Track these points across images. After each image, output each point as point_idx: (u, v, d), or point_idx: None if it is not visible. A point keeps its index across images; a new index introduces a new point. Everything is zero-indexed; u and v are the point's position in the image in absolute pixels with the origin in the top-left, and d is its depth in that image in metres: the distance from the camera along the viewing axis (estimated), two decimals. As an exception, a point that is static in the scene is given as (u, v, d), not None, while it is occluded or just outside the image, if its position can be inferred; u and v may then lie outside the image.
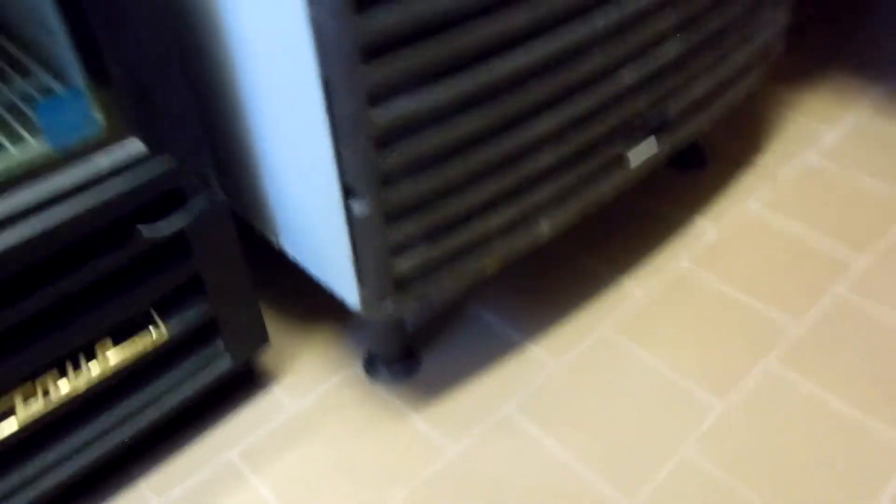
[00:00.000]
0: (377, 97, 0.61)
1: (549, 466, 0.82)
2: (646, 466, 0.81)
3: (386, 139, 0.64)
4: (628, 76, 0.77)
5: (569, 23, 0.68)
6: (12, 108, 0.73)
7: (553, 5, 0.65)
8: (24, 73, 0.79)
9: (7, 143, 0.68)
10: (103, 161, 0.66)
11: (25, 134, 0.70)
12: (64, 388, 0.74)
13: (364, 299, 0.75)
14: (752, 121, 1.27)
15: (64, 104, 0.65)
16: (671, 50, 0.80)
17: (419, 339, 0.96)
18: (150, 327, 0.78)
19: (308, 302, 1.02)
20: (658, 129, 0.88)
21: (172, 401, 0.82)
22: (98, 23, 0.61)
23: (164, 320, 0.79)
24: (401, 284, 0.74)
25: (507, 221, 0.76)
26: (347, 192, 0.67)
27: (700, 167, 1.18)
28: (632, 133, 0.84)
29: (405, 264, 0.72)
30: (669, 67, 0.82)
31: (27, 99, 0.74)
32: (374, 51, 0.58)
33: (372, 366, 0.93)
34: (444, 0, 0.59)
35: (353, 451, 0.85)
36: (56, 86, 0.76)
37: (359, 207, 0.67)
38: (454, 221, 0.72)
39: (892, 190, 1.11)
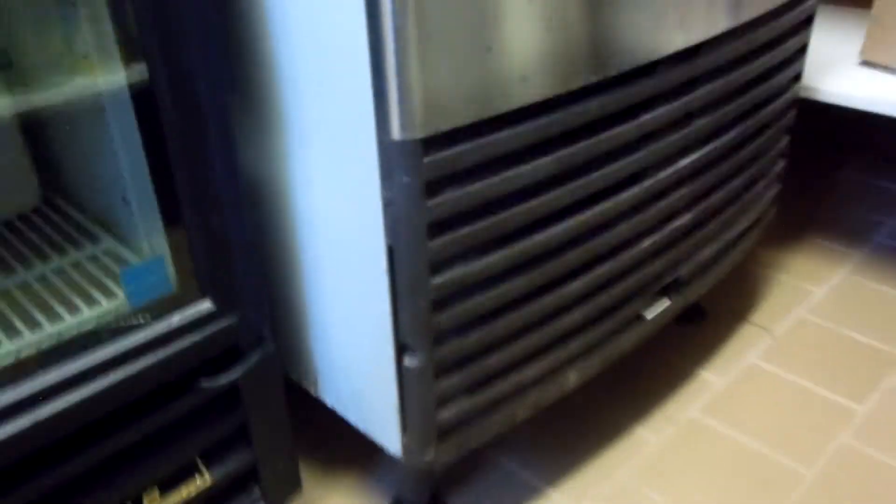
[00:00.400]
0: (437, 265, 0.68)
1: None
2: None
3: (441, 301, 0.70)
4: (648, 244, 0.86)
5: (601, 200, 0.77)
6: (86, 272, 0.80)
7: (588, 187, 0.74)
8: (93, 239, 0.87)
9: (82, 304, 0.74)
10: (175, 319, 0.72)
11: (99, 295, 0.77)
12: (113, 536, 0.76)
13: (406, 447, 0.79)
14: (747, 280, 1.37)
15: (146, 269, 0.72)
16: (684, 221, 0.89)
17: (444, 486, 0.99)
18: (196, 475, 0.81)
19: (333, 449, 1.05)
20: (670, 289, 0.96)
21: (211, 548, 0.84)
22: (185, 199, 0.69)
23: (208, 468, 0.82)
24: (442, 433, 0.78)
25: (540, 373, 0.82)
26: (402, 348, 0.72)
27: (700, 321, 1.26)
28: (648, 293, 0.92)
29: (447, 414, 0.77)
30: (682, 236, 0.91)
31: (94, 261, 0.82)
32: (438, 226, 0.66)
33: (399, 513, 0.96)
34: (499, 186, 0.67)
35: None
36: (122, 250, 0.84)
37: (411, 362, 0.72)
38: (494, 374, 0.78)
39: (878, 343, 1.20)
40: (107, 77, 0.72)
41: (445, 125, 0.62)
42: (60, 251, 0.86)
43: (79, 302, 0.76)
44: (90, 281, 0.80)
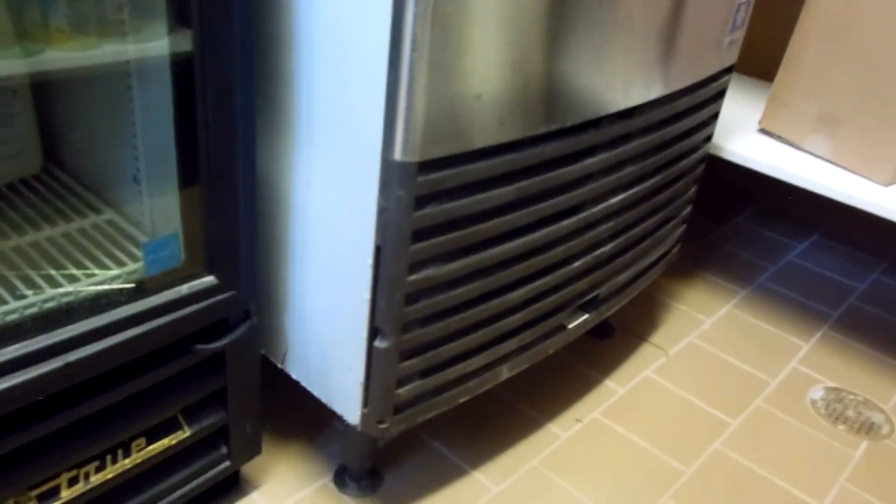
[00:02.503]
0: (414, 266, 0.83)
1: (493, 573, 0.99)
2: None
3: (413, 296, 0.85)
4: (578, 265, 1.03)
5: (546, 225, 0.93)
6: (93, 239, 0.91)
7: (538, 214, 0.91)
8: (95, 209, 0.97)
9: (95, 268, 0.84)
10: (184, 288, 0.84)
11: (111, 263, 0.87)
12: (101, 477, 0.86)
13: (365, 417, 0.93)
14: (651, 306, 1.57)
15: (163, 243, 0.83)
16: (607, 249, 1.07)
17: (382, 462, 1.13)
18: (178, 429, 0.92)
19: (285, 420, 1.18)
20: (590, 305, 1.13)
21: (178, 499, 0.95)
22: (207, 184, 0.81)
23: (188, 424, 0.93)
24: (397, 408, 0.93)
25: (482, 364, 0.98)
26: (375, 332, 0.86)
27: (609, 337, 1.45)
28: (572, 306, 1.09)
29: (404, 392, 0.91)
30: (604, 261, 1.09)
31: (98, 230, 0.92)
32: (419, 234, 0.81)
33: (341, 479, 1.09)
34: (471, 206, 0.83)
35: (327, 553, 0.99)
36: (122, 223, 0.94)
37: (381, 344, 0.87)
38: (446, 361, 0.93)
39: (752, 369, 1.41)
40: (140, 45, 0.74)
41: (438, 153, 0.77)
42: (65, 217, 0.96)
43: (91, 265, 0.86)
44: (99, 247, 0.90)
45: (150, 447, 0.89)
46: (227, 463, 0.99)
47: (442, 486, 1.10)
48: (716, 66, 1.15)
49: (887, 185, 1.29)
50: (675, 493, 1.13)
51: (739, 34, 1.18)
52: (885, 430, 1.30)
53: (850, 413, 1.33)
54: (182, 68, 0.73)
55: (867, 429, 1.30)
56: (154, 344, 0.82)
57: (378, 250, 0.82)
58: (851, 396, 1.37)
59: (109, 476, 0.86)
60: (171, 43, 0.73)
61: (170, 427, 0.91)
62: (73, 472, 0.84)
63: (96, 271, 0.86)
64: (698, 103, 1.15)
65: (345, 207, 0.83)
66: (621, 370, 1.38)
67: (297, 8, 0.79)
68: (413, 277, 0.83)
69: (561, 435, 1.22)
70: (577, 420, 1.25)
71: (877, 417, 1.33)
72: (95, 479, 0.85)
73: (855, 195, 1.26)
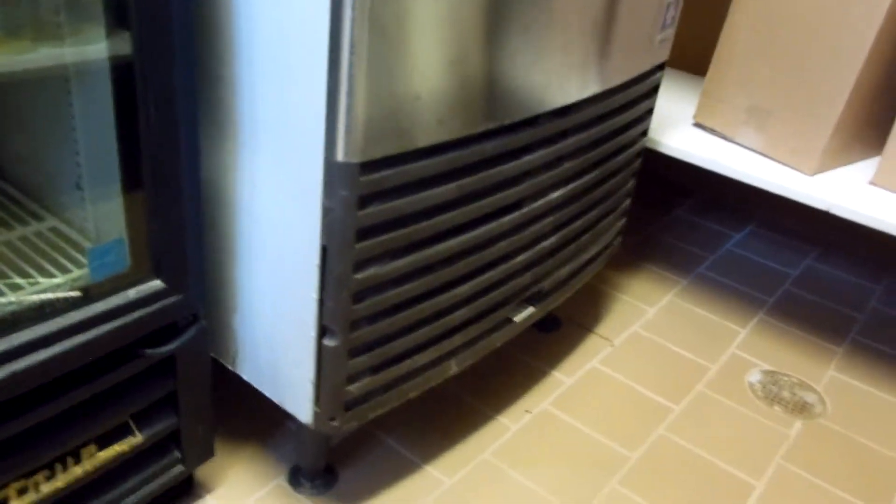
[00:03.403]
0: (359, 264, 0.84)
1: (448, 563, 1.01)
2: (523, 563, 1.03)
3: (360, 294, 0.87)
4: (520, 259, 1.06)
5: (487, 222, 0.96)
6: (36, 247, 0.90)
7: (479, 210, 0.93)
8: (36, 217, 0.96)
9: (38, 276, 0.84)
10: (131, 293, 0.84)
11: (55, 270, 0.87)
12: (51, 486, 0.86)
13: (317, 416, 0.94)
14: (595, 298, 1.61)
15: (109, 249, 0.83)
16: (549, 243, 1.10)
17: (336, 459, 1.15)
18: (129, 435, 0.92)
19: (236, 423, 1.18)
20: (535, 299, 1.16)
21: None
22: (151, 188, 0.81)
23: (139, 430, 0.93)
24: (348, 405, 0.94)
25: (430, 360, 1.00)
26: (323, 331, 0.88)
27: (555, 330, 1.48)
28: (517, 300, 1.12)
29: (354, 389, 0.93)
30: (547, 255, 1.12)
31: (41, 237, 0.92)
32: (364, 233, 0.83)
33: (295, 479, 1.10)
34: (413, 204, 0.85)
35: (283, 551, 1.00)
36: (66, 229, 0.94)
37: (330, 342, 0.88)
38: (395, 357, 0.95)
39: (693, 356, 1.46)
40: (78, 48, 0.73)
41: (380, 153, 0.79)
42: (6, 226, 0.95)
43: (34, 273, 0.86)
44: (42, 255, 0.90)
45: (102, 454, 0.89)
46: (181, 467, 0.99)
47: (396, 482, 1.12)
48: (648, 63, 1.19)
49: (813, 174, 1.35)
50: (623, 478, 1.17)
51: (670, 32, 1.23)
52: (818, 409, 1.37)
53: (786, 394, 1.39)
54: (122, 72, 0.73)
55: (801, 409, 1.36)
56: (102, 350, 0.82)
57: (324, 250, 0.83)
58: (786, 378, 1.43)
59: (60, 485, 0.86)
60: (110, 46, 0.73)
61: (121, 433, 0.91)
62: (23, 483, 0.83)
63: (40, 279, 0.86)
64: (633, 99, 1.19)
65: (290, 208, 0.84)
66: (568, 361, 1.41)
67: (237, 13, 0.80)
68: (359, 275, 0.85)
69: (511, 427, 1.25)
70: (527, 411, 1.28)
71: (810, 397, 1.39)
72: (46, 488, 0.85)
73: (784, 185, 1.32)
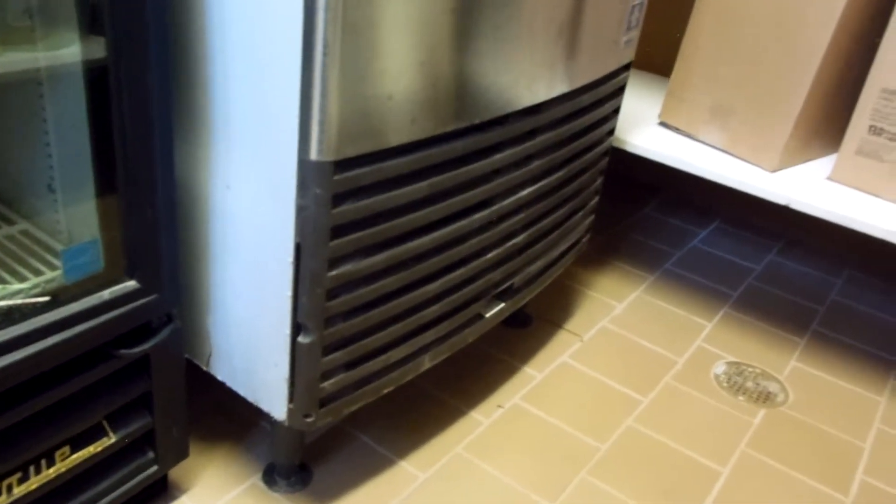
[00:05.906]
0: (333, 262, 0.86)
1: (423, 556, 1.03)
2: (497, 554, 1.04)
3: (334, 291, 0.88)
4: (491, 256, 1.08)
5: (459, 219, 0.98)
6: (7, 250, 0.90)
7: (450, 208, 0.95)
8: (6, 220, 0.96)
9: (10, 278, 0.84)
10: (106, 294, 0.84)
11: (28, 273, 0.87)
12: (25, 488, 0.86)
13: (291, 413, 0.95)
14: (564, 294, 1.64)
15: (83, 250, 0.83)
16: (519, 240, 1.12)
17: (310, 456, 1.15)
18: (103, 436, 0.92)
19: (210, 423, 1.18)
20: (505, 295, 1.18)
21: (106, 504, 0.95)
22: (126, 189, 0.81)
23: (113, 431, 0.93)
24: (323, 402, 0.95)
25: (403, 355, 1.01)
26: (298, 328, 0.89)
27: (526, 326, 1.51)
28: (488, 296, 1.14)
29: (329, 385, 0.94)
30: (517, 252, 1.14)
31: (12, 240, 0.91)
32: (337, 230, 0.84)
33: (270, 477, 1.11)
34: (386, 202, 0.86)
35: (260, 548, 1.01)
36: (38, 232, 0.94)
37: (304, 340, 0.89)
38: (369, 354, 0.96)
39: (661, 349, 1.50)
40: (50, 52, 0.73)
41: (353, 152, 0.80)
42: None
43: (6, 276, 0.86)
44: (14, 258, 0.89)
45: (75, 455, 0.89)
46: (155, 468, 0.99)
47: (370, 477, 1.14)
48: (614, 63, 1.22)
49: (774, 171, 1.39)
50: (593, 469, 1.20)
51: (635, 33, 1.26)
52: (781, 398, 1.41)
53: (749, 384, 1.43)
54: (96, 75, 0.73)
55: (764, 398, 1.40)
56: (76, 350, 0.83)
57: (298, 248, 0.84)
58: (750, 369, 1.47)
59: (33, 487, 0.86)
60: (83, 50, 0.74)
61: (95, 434, 0.91)
62: (-4, 485, 0.83)
63: (12, 282, 0.86)
64: (600, 99, 1.21)
65: (264, 207, 0.85)
66: (539, 357, 1.44)
67: (210, 15, 0.80)
68: (333, 273, 0.86)
69: (483, 421, 1.27)
70: (499, 406, 1.30)
71: (773, 387, 1.43)
72: (19, 490, 0.85)
73: (746, 182, 1.36)
